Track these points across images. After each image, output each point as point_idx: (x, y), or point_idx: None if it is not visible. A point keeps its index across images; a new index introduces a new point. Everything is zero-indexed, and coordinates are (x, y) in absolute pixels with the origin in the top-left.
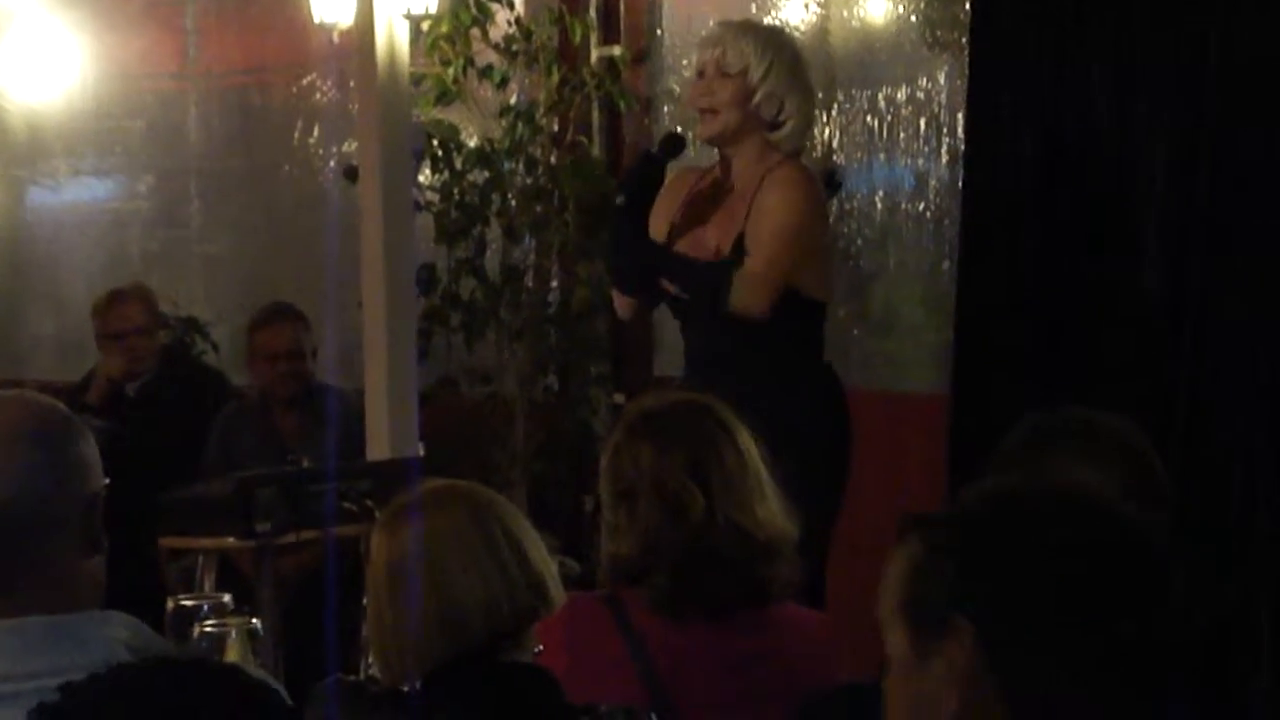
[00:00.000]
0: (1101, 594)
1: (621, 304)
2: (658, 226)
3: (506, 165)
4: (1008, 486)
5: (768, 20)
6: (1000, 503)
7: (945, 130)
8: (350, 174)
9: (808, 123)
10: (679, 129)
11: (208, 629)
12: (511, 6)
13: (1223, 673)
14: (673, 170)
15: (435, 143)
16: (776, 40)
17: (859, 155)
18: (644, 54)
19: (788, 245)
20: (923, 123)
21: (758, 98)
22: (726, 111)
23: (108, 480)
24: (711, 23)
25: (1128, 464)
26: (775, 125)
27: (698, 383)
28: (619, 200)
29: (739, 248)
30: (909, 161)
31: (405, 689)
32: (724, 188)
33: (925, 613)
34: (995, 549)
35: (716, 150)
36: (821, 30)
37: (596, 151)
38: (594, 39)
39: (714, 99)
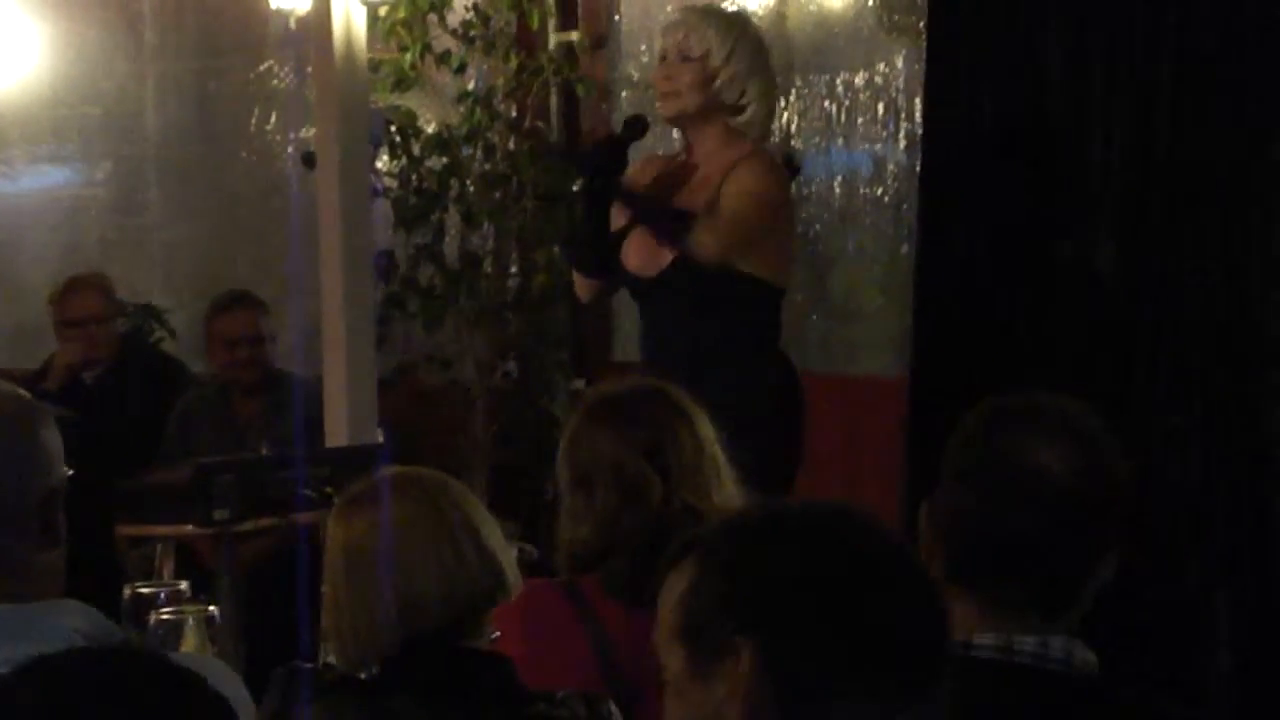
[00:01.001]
0: (868, 602)
1: (582, 286)
2: (623, 210)
3: (465, 151)
4: (773, 506)
5: (726, 4)
6: (767, 522)
7: (903, 114)
8: (308, 160)
9: (770, 109)
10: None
11: (164, 616)
12: None
13: (1183, 656)
14: (639, 155)
15: (393, 129)
16: (739, 26)
17: (817, 140)
18: (602, 40)
19: (750, 208)
20: (880, 107)
21: (719, 82)
22: (688, 94)
23: (68, 470)
24: (669, 8)
25: (1082, 447)
26: (737, 110)
27: (654, 368)
28: (579, 183)
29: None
30: (867, 146)
31: (362, 675)
32: (689, 170)
33: (704, 635)
34: (767, 567)
35: (679, 135)
36: (779, 15)
37: (555, 137)
38: (552, 25)
39: (675, 82)
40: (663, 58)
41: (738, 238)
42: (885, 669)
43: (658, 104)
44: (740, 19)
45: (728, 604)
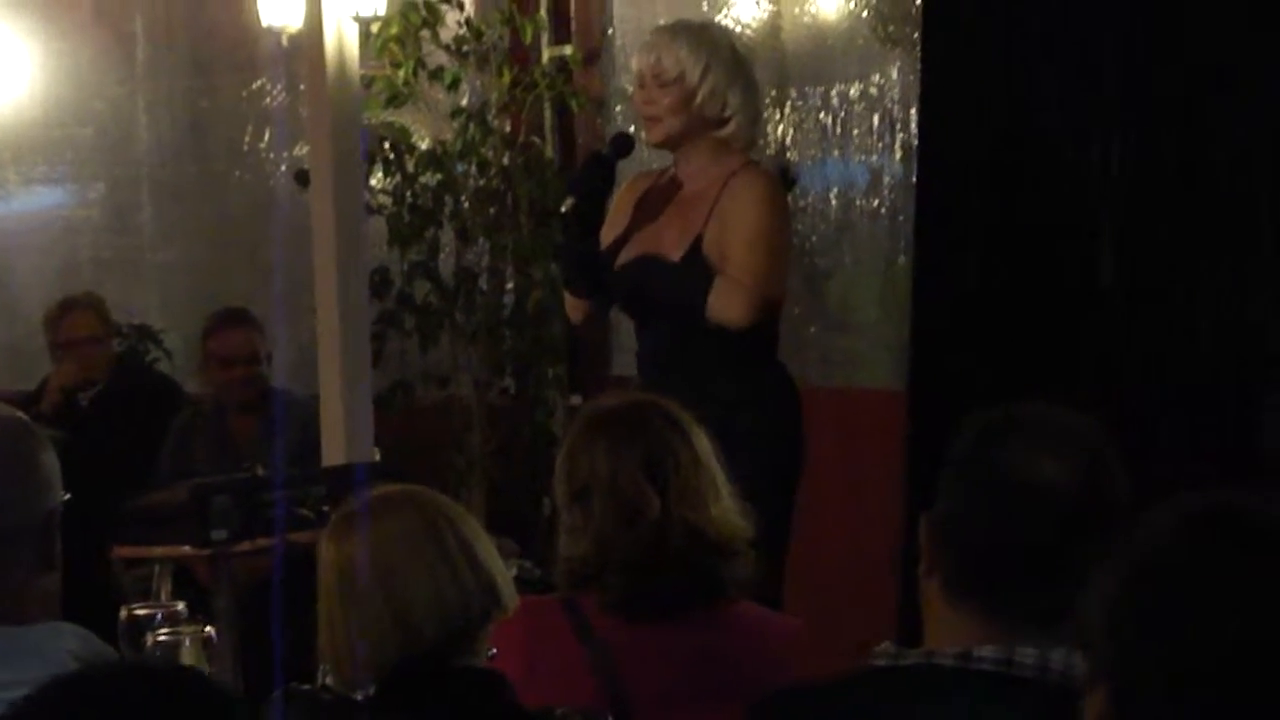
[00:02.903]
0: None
1: (574, 308)
2: (613, 229)
3: (459, 167)
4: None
5: (719, 18)
6: (1136, 560)
7: (898, 126)
8: (301, 178)
9: (755, 115)
10: (631, 129)
11: (161, 637)
12: (461, 7)
13: None
14: (628, 172)
15: (387, 145)
16: (710, 39)
17: (812, 152)
18: (595, 54)
19: (765, 255)
20: (876, 119)
21: (699, 99)
22: (669, 118)
23: (65, 493)
24: (663, 21)
25: (1084, 458)
26: (721, 122)
27: (652, 384)
28: (566, 204)
29: (696, 250)
30: (863, 158)
31: (358, 696)
32: (677, 187)
33: (1088, 656)
34: (1120, 609)
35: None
36: (773, 27)
37: (549, 152)
38: (545, 39)
39: (656, 108)
40: (640, 84)
41: (760, 292)
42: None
43: (643, 131)
44: (710, 31)
45: (1089, 639)
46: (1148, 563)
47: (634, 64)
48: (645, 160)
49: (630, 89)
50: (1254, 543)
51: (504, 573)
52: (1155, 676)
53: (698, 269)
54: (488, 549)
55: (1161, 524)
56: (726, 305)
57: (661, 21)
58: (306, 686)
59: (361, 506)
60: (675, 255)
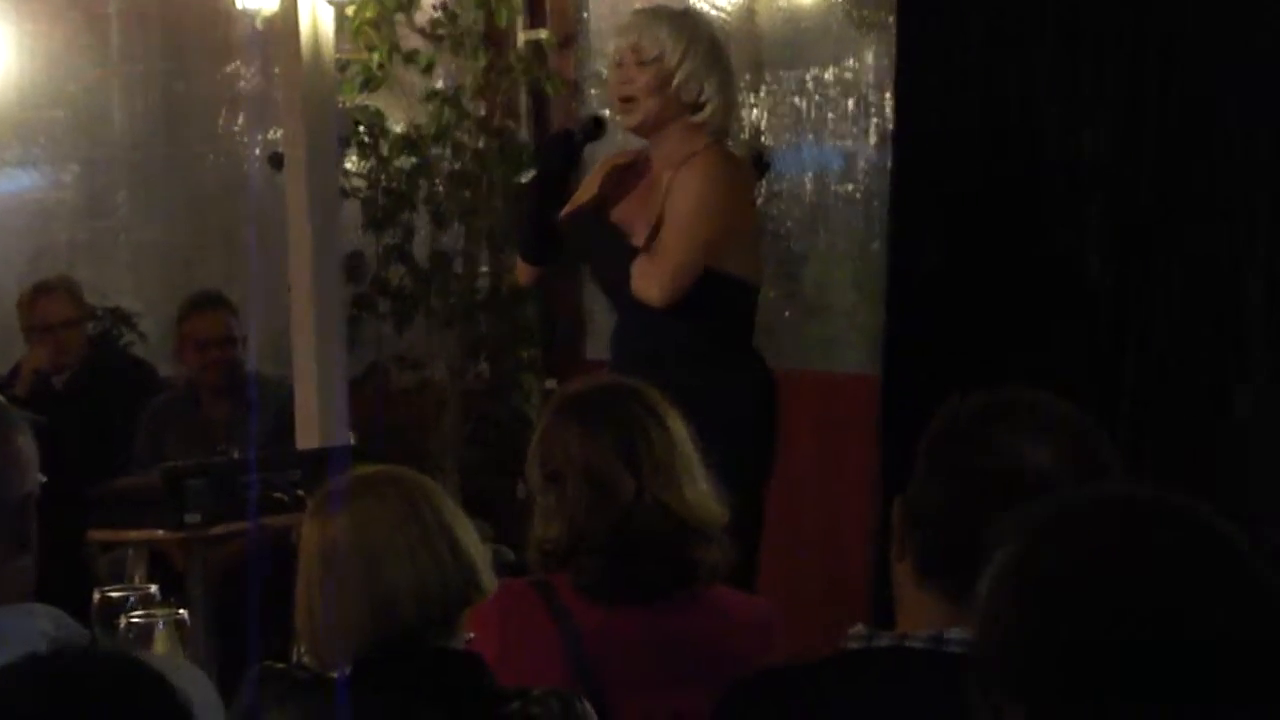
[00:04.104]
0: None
1: (524, 271)
2: (580, 199)
3: (433, 151)
4: (1066, 533)
5: (695, 1)
6: (1021, 569)
7: (873, 110)
8: (276, 161)
9: (730, 102)
10: (605, 112)
11: (134, 620)
12: None
13: None
14: (600, 152)
15: (361, 129)
16: (691, 23)
17: (787, 136)
18: (571, 38)
19: (693, 233)
20: (851, 103)
21: (676, 82)
22: (646, 100)
23: (41, 477)
24: (638, 5)
25: (1071, 442)
26: (697, 108)
27: (623, 369)
28: (528, 175)
29: (656, 232)
30: (837, 142)
31: (334, 675)
32: (643, 170)
33: (982, 684)
34: (1037, 630)
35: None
36: (748, 11)
37: (524, 136)
38: (520, 23)
39: (632, 87)
40: (618, 63)
41: (677, 270)
42: None
43: (617, 115)
44: (691, 16)
45: (994, 667)
46: (1024, 548)
47: (611, 46)
48: (620, 143)
49: (605, 73)
50: (1133, 523)
51: (484, 556)
52: (1042, 665)
53: None
54: (468, 532)
55: (1043, 510)
56: (645, 285)
57: (638, 5)
58: (281, 665)
59: (342, 486)
60: (639, 240)
